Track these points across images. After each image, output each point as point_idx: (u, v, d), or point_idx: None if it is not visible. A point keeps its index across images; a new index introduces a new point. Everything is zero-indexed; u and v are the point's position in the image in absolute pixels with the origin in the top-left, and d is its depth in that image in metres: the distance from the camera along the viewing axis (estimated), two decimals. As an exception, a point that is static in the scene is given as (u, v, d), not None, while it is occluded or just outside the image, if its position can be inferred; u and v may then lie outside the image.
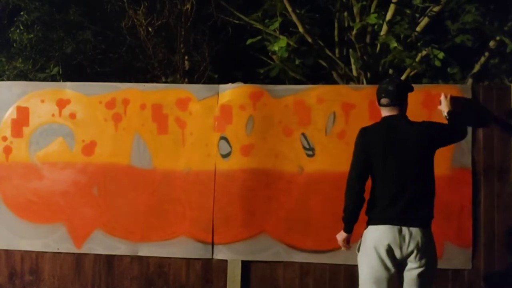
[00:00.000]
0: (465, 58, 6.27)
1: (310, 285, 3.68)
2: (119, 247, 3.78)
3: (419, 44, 5.57)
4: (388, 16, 5.62)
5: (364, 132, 2.98)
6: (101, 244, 3.80)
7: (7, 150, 3.92)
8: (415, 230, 2.79)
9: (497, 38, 5.92)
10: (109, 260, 3.83)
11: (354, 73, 6.02)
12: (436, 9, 5.69)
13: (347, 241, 3.02)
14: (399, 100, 2.95)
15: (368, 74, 5.90)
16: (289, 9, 5.49)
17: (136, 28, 7.10)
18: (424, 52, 5.45)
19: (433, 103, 3.59)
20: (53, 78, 7.03)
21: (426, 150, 2.90)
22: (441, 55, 5.24)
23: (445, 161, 3.56)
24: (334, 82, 6.12)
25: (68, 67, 7.28)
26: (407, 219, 2.80)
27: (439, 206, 3.51)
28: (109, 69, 7.39)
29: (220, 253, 3.71)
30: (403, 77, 6.07)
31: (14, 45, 7.39)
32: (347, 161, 3.58)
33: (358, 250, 2.95)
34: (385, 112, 2.98)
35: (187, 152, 3.78)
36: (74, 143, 3.87)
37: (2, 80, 7.00)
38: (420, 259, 2.79)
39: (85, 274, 3.85)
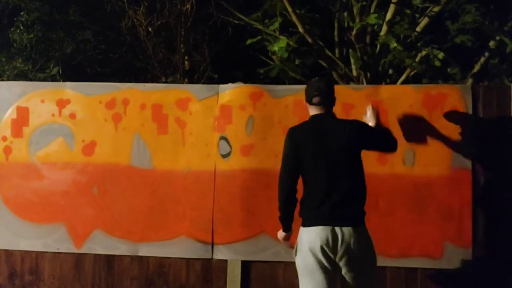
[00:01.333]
0: (465, 58, 6.28)
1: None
2: (119, 247, 3.78)
3: (419, 44, 5.58)
4: (388, 16, 5.63)
5: (293, 132, 2.98)
6: (101, 244, 3.80)
7: (7, 150, 3.92)
8: (348, 229, 2.78)
9: (497, 38, 5.93)
10: (109, 260, 3.83)
11: (354, 73, 6.02)
12: (436, 9, 5.69)
13: (287, 239, 3.08)
14: (330, 99, 2.97)
15: (368, 74, 5.91)
16: (289, 9, 5.49)
17: (136, 28, 7.10)
18: (424, 52, 5.46)
19: (433, 103, 3.59)
20: (53, 78, 7.04)
21: (353, 147, 2.89)
22: (441, 55, 5.24)
23: (445, 161, 3.56)
24: (334, 82, 6.11)
25: (68, 67, 7.29)
26: (339, 218, 2.79)
27: (439, 206, 3.54)
28: (109, 69, 7.40)
29: (220, 253, 3.71)
30: (403, 77, 6.09)
31: (14, 45, 7.39)
32: (347, 161, 3.61)
33: (295, 254, 2.91)
34: (314, 111, 2.98)
35: (187, 152, 3.78)
36: (74, 143, 3.87)
37: (2, 80, 7.01)
38: (355, 256, 2.77)
39: (85, 274, 3.85)
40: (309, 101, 2.98)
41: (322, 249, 2.77)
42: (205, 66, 7.27)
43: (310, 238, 2.81)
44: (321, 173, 2.84)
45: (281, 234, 3.07)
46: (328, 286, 2.78)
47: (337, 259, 2.78)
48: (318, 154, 2.86)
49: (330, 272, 2.79)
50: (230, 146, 3.74)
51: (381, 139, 3.10)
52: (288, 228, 3.02)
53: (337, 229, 2.77)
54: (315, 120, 2.97)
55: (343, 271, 2.82)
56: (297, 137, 2.94)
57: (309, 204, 2.88)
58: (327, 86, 2.98)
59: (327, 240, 2.76)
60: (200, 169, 3.75)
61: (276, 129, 3.71)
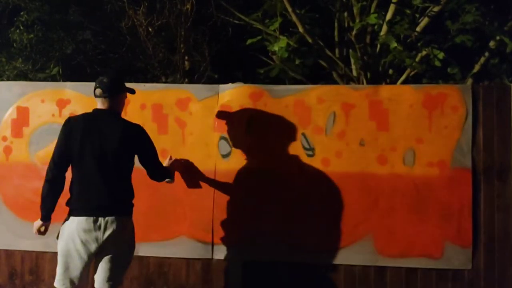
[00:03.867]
0: (465, 58, 6.29)
1: (310, 285, 3.67)
2: (119, 247, 3.77)
3: (419, 44, 5.59)
4: (388, 16, 5.64)
5: (69, 122, 3.08)
6: (101, 244, 3.79)
7: (7, 150, 3.91)
8: (111, 219, 2.96)
9: (497, 38, 5.93)
10: (109, 260, 3.82)
11: (354, 73, 6.03)
12: (436, 9, 5.70)
13: (45, 229, 3.09)
14: (110, 93, 3.07)
15: (368, 74, 5.91)
16: (289, 9, 5.50)
17: (136, 28, 7.10)
18: (424, 52, 5.47)
19: (433, 103, 3.59)
20: (53, 78, 7.04)
21: (126, 149, 3.04)
22: (441, 55, 5.25)
23: (445, 161, 3.56)
24: (334, 82, 6.13)
25: (68, 67, 7.29)
26: (102, 209, 2.96)
27: (439, 206, 3.54)
28: (109, 69, 7.39)
29: (220, 253, 3.71)
30: (403, 77, 6.10)
31: (14, 45, 7.39)
32: (347, 161, 3.62)
33: (57, 238, 3.05)
34: (98, 104, 3.12)
35: (187, 152, 3.77)
36: (74, 143, 3.85)
37: (2, 80, 7.01)
38: (113, 246, 2.98)
39: (85, 274, 3.84)
40: (94, 93, 3.13)
41: (83, 238, 2.94)
42: (205, 66, 7.26)
43: (72, 227, 2.96)
44: (88, 165, 2.97)
45: (38, 223, 3.09)
46: (81, 272, 2.97)
47: (98, 246, 2.95)
48: (88, 146, 2.97)
49: (85, 259, 2.96)
50: (230, 146, 3.74)
51: (148, 166, 3.25)
52: (47, 217, 3.09)
53: (100, 219, 2.95)
54: (94, 113, 3.12)
55: (103, 254, 2.99)
56: (71, 126, 3.04)
57: (75, 194, 3.01)
58: (109, 80, 3.11)
59: (89, 230, 2.94)
60: (200, 169, 3.75)
61: (276, 129, 3.71)
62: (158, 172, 3.32)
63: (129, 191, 3.13)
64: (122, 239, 3.02)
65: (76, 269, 2.96)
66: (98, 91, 3.09)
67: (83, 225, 2.94)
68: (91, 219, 2.94)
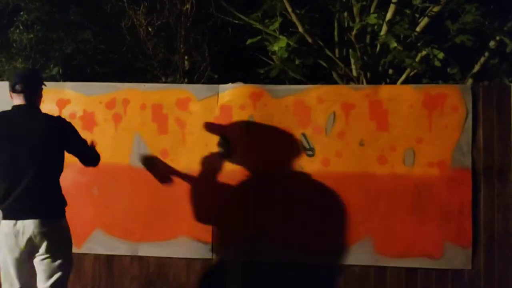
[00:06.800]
0: (465, 58, 6.28)
1: (310, 285, 3.67)
2: (119, 247, 3.78)
3: (419, 44, 5.59)
4: (388, 16, 5.63)
5: None
6: (101, 244, 3.79)
7: (7, 150, 3.90)
8: (30, 222, 2.83)
9: (497, 38, 5.93)
10: (109, 260, 3.83)
11: (354, 73, 6.02)
12: (436, 9, 5.70)
13: None
14: (30, 88, 2.97)
15: (368, 74, 5.91)
16: (289, 9, 5.49)
17: (136, 28, 7.10)
18: (424, 52, 5.46)
19: (433, 103, 3.59)
20: (53, 78, 7.03)
21: (51, 143, 2.95)
22: (441, 55, 5.25)
23: (445, 161, 3.56)
24: (334, 82, 6.12)
25: (68, 67, 7.28)
26: (20, 212, 2.85)
27: (439, 206, 3.54)
28: (109, 69, 7.39)
29: (220, 253, 3.71)
30: (403, 77, 6.10)
31: (14, 45, 7.39)
32: (347, 161, 3.62)
33: None
34: (16, 100, 2.98)
35: (187, 152, 3.77)
36: (74, 143, 3.85)
37: (2, 80, 7.00)
38: (40, 249, 2.88)
39: (85, 274, 3.84)
40: (13, 89, 2.97)
41: (9, 241, 2.85)
42: (205, 66, 7.26)
43: (1, 230, 2.90)
44: (5, 165, 2.87)
45: None
46: (20, 274, 2.90)
47: (25, 249, 2.86)
48: (4, 144, 2.87)
49: (20, 263, 2.88)
50: (230, 146, 3.73)
51: (80, 153, 3.18)
52: None
53: (19, 222, 2.84)
54: (13, 110, 2.98)
55: (35, 257, 2.90)
56: None
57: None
58: (28, 75, 3.08)
59: (11, 233, 2.85)
60: (200, 169, 3.74)
61: (276, 129, 3.70)
62: (90, 158, 3.26)
63: (53, 192, 3.02)
64: (47, 242, 2.89)
65: (13, 273, 2.91)
66: (19, 86, 2.95)
67: (6, 229, 2.87)
68: (11, 222, 2.86)
